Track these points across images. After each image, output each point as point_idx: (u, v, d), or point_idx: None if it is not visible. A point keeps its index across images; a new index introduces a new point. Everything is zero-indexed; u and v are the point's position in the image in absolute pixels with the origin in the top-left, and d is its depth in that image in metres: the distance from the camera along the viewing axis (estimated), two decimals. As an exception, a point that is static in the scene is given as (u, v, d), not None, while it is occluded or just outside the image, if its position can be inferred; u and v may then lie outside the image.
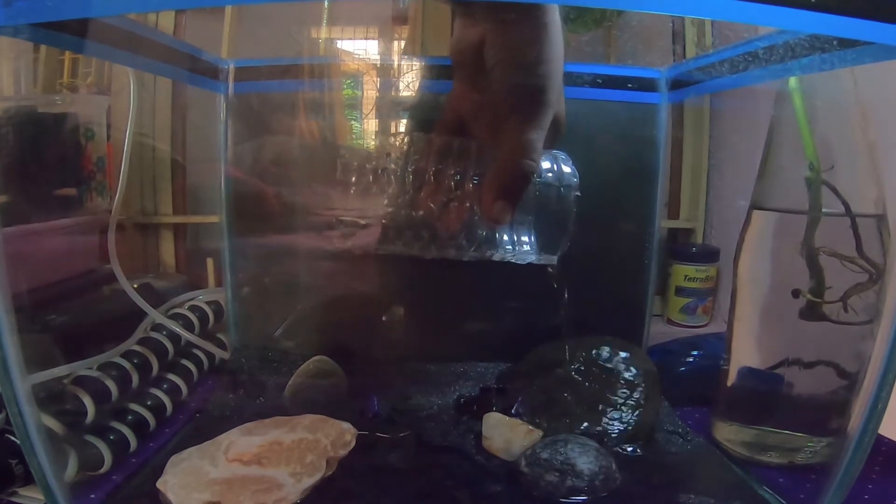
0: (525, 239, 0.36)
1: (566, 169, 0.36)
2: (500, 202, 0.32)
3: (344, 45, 0.70)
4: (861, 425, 0.31)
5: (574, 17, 0.65)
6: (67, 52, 0.67)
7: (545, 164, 0.35)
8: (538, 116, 0.32)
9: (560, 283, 0.40)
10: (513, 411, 0.47)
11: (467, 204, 0.34)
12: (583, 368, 0.48)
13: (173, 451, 0.39)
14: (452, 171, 0.34)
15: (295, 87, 0.56)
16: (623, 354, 0.49)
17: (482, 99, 0.35)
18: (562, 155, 0.37)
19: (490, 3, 0.32)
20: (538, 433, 0.43)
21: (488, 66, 0.33)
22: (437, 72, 0.54)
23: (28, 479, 0.36)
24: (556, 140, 0.36)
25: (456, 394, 0.51)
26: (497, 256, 0.36)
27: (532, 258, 0.36)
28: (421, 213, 0.35)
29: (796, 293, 0.41)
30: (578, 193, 0.35)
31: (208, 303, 0.58)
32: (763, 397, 0.44)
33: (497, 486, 0.39)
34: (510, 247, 0.36)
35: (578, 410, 0.46)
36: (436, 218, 0.34)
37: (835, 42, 0.33)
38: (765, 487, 0.39)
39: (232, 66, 0.54)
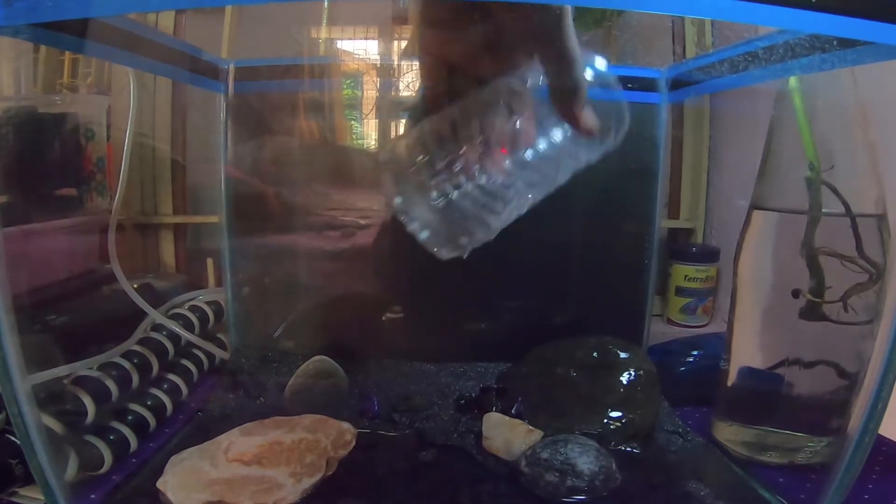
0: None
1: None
2: (584, 113, 0.33)
3: (344, 44, 0.70)
4: (861, 425, 0.31)
5: (574, 17, 0.65)
6: (67, 52, 0.67)
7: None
8: (564, 22, 0.32)
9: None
10: (513, 411, 0.47)
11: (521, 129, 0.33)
12: (583, 368, 0.48)
13: (173, 451, 0.39)
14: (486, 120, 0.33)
15: (295, 87, 0.56)
16: (623, 354, 0.49)
17: (475, 29, 0.34)
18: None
19: None
20: (538, 433, 0.43)
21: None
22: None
23: (28, 479, 0.36)
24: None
25: (456, 394, 0.51)
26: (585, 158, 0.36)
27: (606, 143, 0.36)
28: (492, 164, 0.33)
29: (796, 293, 0.41)
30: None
31: (208, 303, 0.58)
32: (763, 397, 0.44)
33: (497, 486, 0.39)
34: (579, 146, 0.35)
35: (578, 410, 0.46)
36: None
37: (835, 42, 0.33)
38: (765, 487, 0.39)
39: (232, 66, 0.54)
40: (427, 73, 0.36)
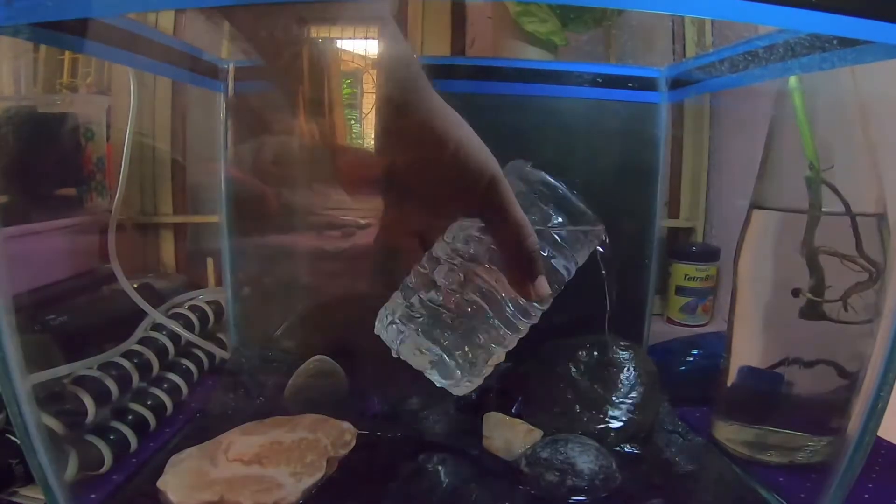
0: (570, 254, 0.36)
1: (534, 176, 0.36)
2: (534, 285, 0.33)
3: (344, 44, 0.70)
4: (861, 425, 0.31)
5: (574, 17, 0.65)
6: (67, 52, 0.67)
7: (521, 187, 0.35)
8: (503, 195, 0.32)
9: (607, 262, 0.39)
10: (513, 411, 0.47)
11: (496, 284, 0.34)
12: (583, 368, 0.48)
13: (173, 451, 0.39)
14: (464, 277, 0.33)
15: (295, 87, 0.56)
16: (623, 354, 0.49)
17: (428, 213, 0.35)
18: (525, 166, 0.36)
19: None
20: (538, 433, 0.43)
21: (416, 189, 0.33)
22: (437, 71, 0.54)
23: (28, 479, 0.36)
24: None
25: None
26: (567, 279, 0.36)
27: (589, 248, 0.37)
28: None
29: (796, 292, 0.41)
30: (560, 187, 0.35)
31: (208, 303, 0.58)
32: (763, 396, 0.44)
33: (497, 486, 0.39)
34: (566, 267, 0.36)
35: (578, 410, 0.46)
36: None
37: (835, 41, 0.33)
38: (765, 487, 0.39)
39: (231, 66, 0.54)
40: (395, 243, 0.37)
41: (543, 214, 0.35)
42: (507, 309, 0.34)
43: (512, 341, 0.35)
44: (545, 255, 0.34)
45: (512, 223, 0.32)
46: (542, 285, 0.33)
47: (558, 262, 0.35)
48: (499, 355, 0.36)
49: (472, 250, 0.34)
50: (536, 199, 0.35)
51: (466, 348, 0.34)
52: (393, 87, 0.31)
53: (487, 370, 0.35)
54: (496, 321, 0.34)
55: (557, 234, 0.35)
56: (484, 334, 0.34)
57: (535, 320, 0.36)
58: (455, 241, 0.34)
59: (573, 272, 0.36)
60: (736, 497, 0.39)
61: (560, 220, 0.35)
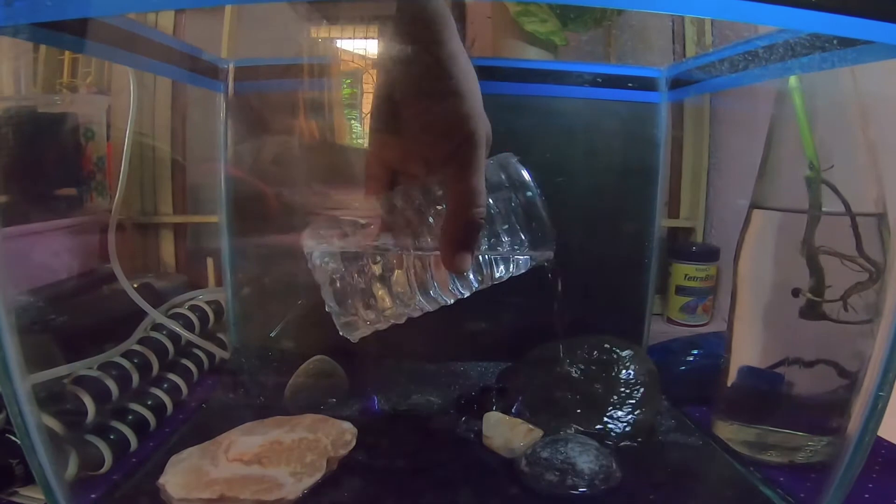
0: (518, 252, 0.36)
1: (516, 172, 0.36)
2: (459, 254, 0.32)
3: (344, 44, 0.70)
4: (861, 425, 0.31)
5: (574, 17, 0.65)
6: (67, 52, 0.67)
7: (499, 177, 0.35)
8: (472, 159, 0.32)
9: (556, 276, 0.40)
10: (513, 410, 0.47)
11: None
12: (583, 368, 0.48)
13: (173, 451, 0.39)
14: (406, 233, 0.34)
15: (295, 87, 0.56)
16: (623, 353, 0.49)
17: (406, 146, 0.35)
18: (511, 159, 0.37)
19: (392, 45, 0.32)
20: (538, 432, 0.43)
21: (404, 116, 0.33)
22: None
23: (28, 479, 0.36)
24: (488, 153, 0.36)
25: (456, 393, 0.51)
26: (497, 278, 0.36)
27: (531, 263, 0.37)
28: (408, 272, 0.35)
29: (796, 292, 0.41)
30: (535, 192, 0.35)
31: (208, 302, 0.58)
32: (763, 396, 0.44)
33: (497, 486, 0.39)
34: (505, 266, 0.36)
35: (579, 409, 0.46)
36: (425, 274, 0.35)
37: (835, 41, 0.33)
38: (766, 485, 0.39)
39: (231, 66, 0.54)
40: (372, 181, 0.37)
41: (505, 209, 0.35)
42: (413, 278, 0.34)
43: (401, 309, 0.36)
44: (483, 244, 0.34)
45: (467, 189, 0.32)
46: (464, 261, 0.32)
47: (493, 257, 0.35)
48: (381, 318, 0.36)
49: (419, 201, 0.34)
50: (508, 192, 0.35)
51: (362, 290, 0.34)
52: (420, 19, 0.31)
53: (366, 327, 0.36)
54: (402, 283, 0.34)
55: (504, 233, 0.35)
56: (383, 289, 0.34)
57: (434, 305, 0.36)
58: (413, 189, 0.35)
59: (503, 275, 0.36)
60: (737, 495, 0.39)
61: (516, 222, 0.35)
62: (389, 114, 0.34)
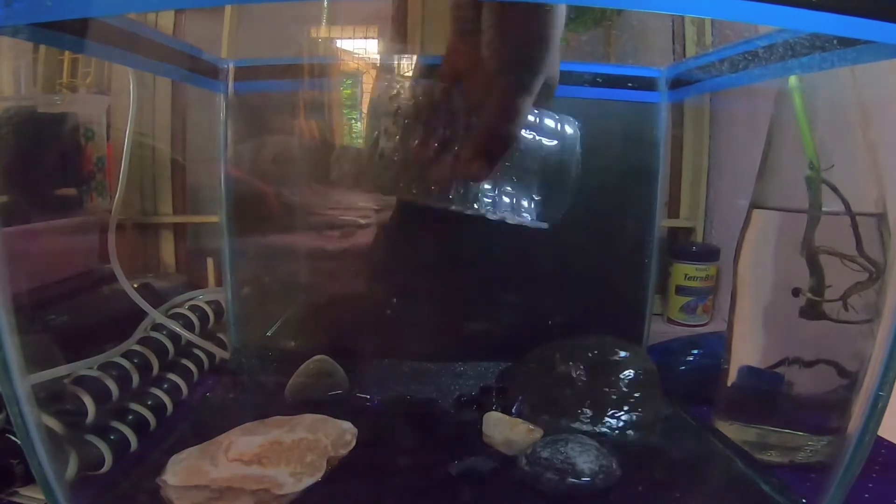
0: (524, 203, 0.36)
1: (569, 130, 0.35)
2: (478, 161, 0.32)
3: (344, 44, 0.70)
4: (861, 424, 0.31)
5: (574, 17, 0.65)
6: (67, 52, 0.67)
7: (549, 124, 0.35)
8: (528, 81, 0.32)
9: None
10: (513, 410, 0.47)
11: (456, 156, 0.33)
12: (583, 367, 0.48)
13: (173, 451, 0.39)
14: (444, 123, 0.34)
15: (295, 87, 0.56)
16: (623, 353, 0.48)
17: (476, 56, 0.34)
18: (575, 125, 0.36)
19: None
20: (538, 432, 0.43)
21: (484, 25, 0.33)
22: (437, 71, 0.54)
23: (28, 479, 0.36)
24: (549, 99, 0.36)
25: (456, 393, 0.51)
26: (491, 213, 0.36)
27: (525, 221, 0.36)
28: (417, 159, 0.34)
29: (796, 292, 0.41)
30: (578, 157, 0.35)
31: (208, 302, 0.58)
32: (763, 396, 0.44)
33: (497, 486, 0.39)
34: (507, 208, 0.36)
35: (579, 409, 0.46)
36: (429, 166, 0.34)
37: (835, 41, 0.33)
38: (767, 483, 0.39)
39: (231, 66, 0.54)
40: (441, 76, 0.37)
41: (542, 157, 0.35)
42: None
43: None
44: (510, 179, 0.34)
45: (512, 105, 0.32)
46: (482, 170, 0.33)
47: (503, 188, 0.35)
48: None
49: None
50: (554, 146, 0.35)
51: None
52: None
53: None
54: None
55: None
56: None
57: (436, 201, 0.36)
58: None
59: (500, 212, 0.36)
60: (739, 492, 0.39)
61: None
62: (471, 22, 0.34)
